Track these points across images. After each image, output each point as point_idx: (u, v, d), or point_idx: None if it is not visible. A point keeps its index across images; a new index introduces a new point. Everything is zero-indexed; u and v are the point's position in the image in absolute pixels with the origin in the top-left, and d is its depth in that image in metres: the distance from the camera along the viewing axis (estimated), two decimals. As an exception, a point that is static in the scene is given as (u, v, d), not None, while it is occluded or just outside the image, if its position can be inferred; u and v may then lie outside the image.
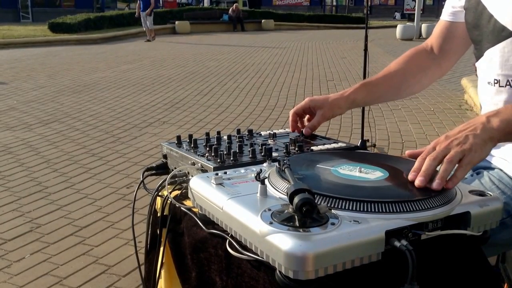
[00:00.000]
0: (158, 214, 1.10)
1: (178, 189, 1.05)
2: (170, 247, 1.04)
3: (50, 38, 15.70)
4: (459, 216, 0.79)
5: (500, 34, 1.08)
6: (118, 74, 8.96)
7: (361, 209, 0.75)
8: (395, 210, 0.75)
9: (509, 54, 1.07)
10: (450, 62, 1.34)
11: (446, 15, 1.29)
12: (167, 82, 8.08)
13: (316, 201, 0.71)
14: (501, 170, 1.10)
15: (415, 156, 0.90)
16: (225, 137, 1.22)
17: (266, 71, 9.32)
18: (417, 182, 0.81)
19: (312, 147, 1.15)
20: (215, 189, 0.85)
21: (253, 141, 1.21)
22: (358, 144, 1.20)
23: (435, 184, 0.80)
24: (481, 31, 1.13)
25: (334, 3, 41.66)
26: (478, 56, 1.17)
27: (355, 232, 0.69)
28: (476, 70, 1.21)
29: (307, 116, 1.28)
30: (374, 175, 0.87)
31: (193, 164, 1.05)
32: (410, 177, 0.84)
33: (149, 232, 1.14)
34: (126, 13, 22.06)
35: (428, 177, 0.82)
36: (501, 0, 1.08)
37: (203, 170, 1.02)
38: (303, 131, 1.25)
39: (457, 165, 0.84)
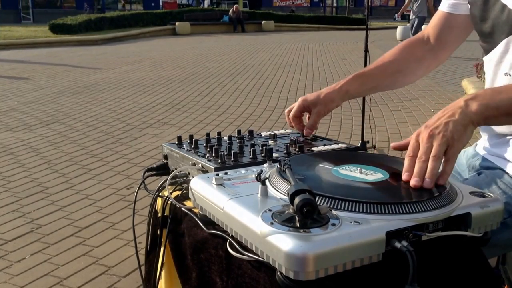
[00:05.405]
0: (159, 215, 1.10)
1: (179, 190, 1.05)
2: (171, 247, 1.04)
3: (50, 39, 15.72)
4: (459, 217, 0.79)
5: None
6: (119, 75, 8.96)
7: (362, 210, 0.75)
8: (395, 211, 0.75)
9: None
10: (447, 52, 1.33)
11: (445, 6, 1.28)
12: (167, 83, 8.08)
13: (316, 202, 0.71)
14: (502, 169, 1.10)
15: (400, 148, 0.92)
16: (226, 138, 1.22)
17: (266, 72, 9.32)
18: (413, 182, 0.82)
19: (312, 148, 1.15)
20: (216, 190, 0.85)
21: (254, 141, 1.21)
22: (359, 145, 1.20)
23: (427, 183, 0.82)
24: (492, 23, 1.12)
25: (334, 4, 41.71)
26: (489, 48, 1.14)
27: (355, 233, 0.69)
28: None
29: (307, 115, 1.28)
30: (374, 176, 0.88)
31: (194, 164, 1.05)
32: (404, 177, 0.85)
33: (150, 233, 1.14)
34: (128, 14, 22.09)
35: (423, 177, 0.83)
36: None
37: (204, 170, 1.02)
38: (304, 132, 1.25)
39: (443, 159, 0.85)
